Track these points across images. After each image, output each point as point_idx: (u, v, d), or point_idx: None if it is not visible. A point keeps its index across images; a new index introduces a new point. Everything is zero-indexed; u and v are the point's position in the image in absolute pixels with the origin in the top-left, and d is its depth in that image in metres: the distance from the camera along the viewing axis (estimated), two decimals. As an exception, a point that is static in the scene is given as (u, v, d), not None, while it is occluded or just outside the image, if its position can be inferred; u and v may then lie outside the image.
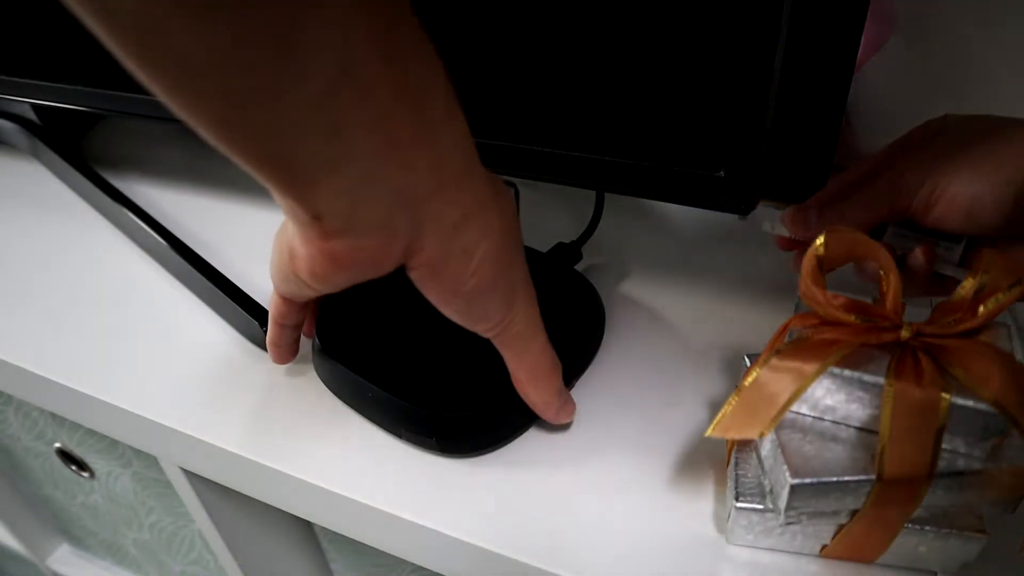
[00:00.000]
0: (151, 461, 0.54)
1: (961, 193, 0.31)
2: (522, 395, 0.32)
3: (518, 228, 0.28)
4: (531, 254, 0.40)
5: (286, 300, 0.34)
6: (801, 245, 0.38)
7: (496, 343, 0.30)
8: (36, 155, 0.59)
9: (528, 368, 0.31)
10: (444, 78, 0.24)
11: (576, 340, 0.37)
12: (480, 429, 0.34)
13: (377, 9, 0.20)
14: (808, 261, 0.28)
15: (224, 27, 0.18)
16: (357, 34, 0.20)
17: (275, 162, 0.23)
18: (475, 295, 0.27)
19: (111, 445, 0.55)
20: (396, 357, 0.35)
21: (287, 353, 0.37)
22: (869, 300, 0.29)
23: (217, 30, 0.18)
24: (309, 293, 0.31)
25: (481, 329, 0.29)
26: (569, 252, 0.43)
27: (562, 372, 0.33)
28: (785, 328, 0.29)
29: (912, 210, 0.34)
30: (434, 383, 0.34)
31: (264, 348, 0.40)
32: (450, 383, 0.34)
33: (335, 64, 0.20)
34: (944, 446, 0.26)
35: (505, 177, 0.38)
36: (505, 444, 0.35)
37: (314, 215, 0.24)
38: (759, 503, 0.29)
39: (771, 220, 0.38)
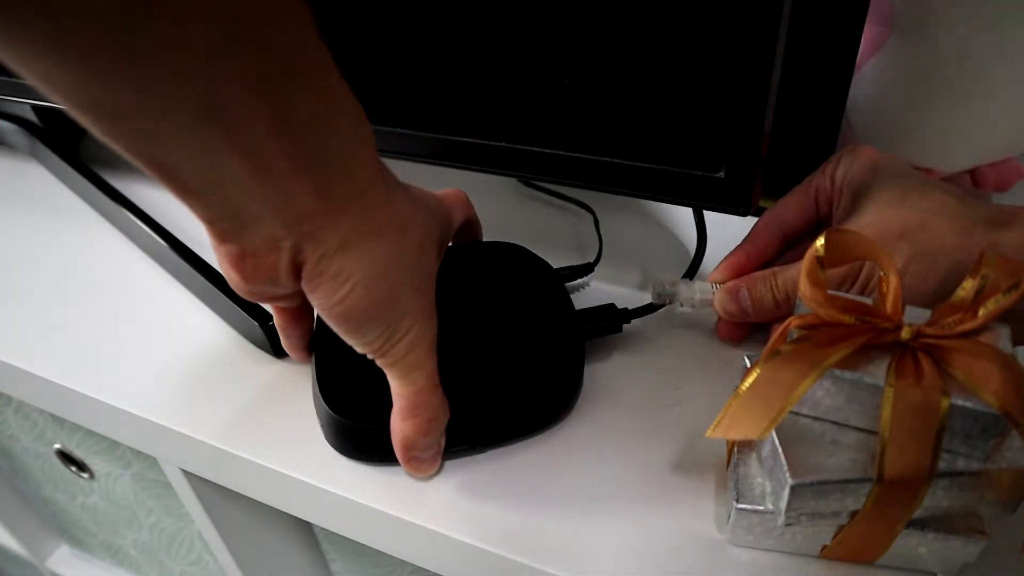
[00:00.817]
0: (151, 462, 0.54)
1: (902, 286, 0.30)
2: (391, 425, 0.31)
3: (418, 266, 0.28)
4: (561, 303, 0.37)
5: (280, 310, 0.35)
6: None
7: (379, 364, 0.30)
8: (36, 156, 0.59)
9: (403, 400, 0.31)
10: (343, 112, 0.24)
11: (526, 407, 0.35)
12: (360, 440, 0.34)
13: (249, 55, 0.21)
14: (808, 261, 0.28)
15: (74, 59, 0.19)
16: (222, 79, 0.21)
17: (161, 170, 0.24)
18: (344, 319, 0.27)
19: (111, 446, 0.55)
20: (351, 356, 0.33)
21: (305, 354, 0.38)
22: (869, 301, 0.29)
23: (68, 59, 0.19)
24: (259, 300, 0.32)
25: (359, 349, 0.29)
26: (610, 318, 0.39)
27: (442, 427, 0.32)
28: (785, 329, 0.29)
29: (851, 291, 0.33)
30: (352, 383, 0.33)
31: (263, 349, 0.40)
32: (365, 390, 0.33)
33: (199, 103, 0.21)
34: (944, 447, 0.26)
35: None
36: (378, 464, 0.34)
37: (207, 219, 0.26)
38: (759, 504, 0.29)
39: (688, 296, 0.38)
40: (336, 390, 0.34)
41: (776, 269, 0.36)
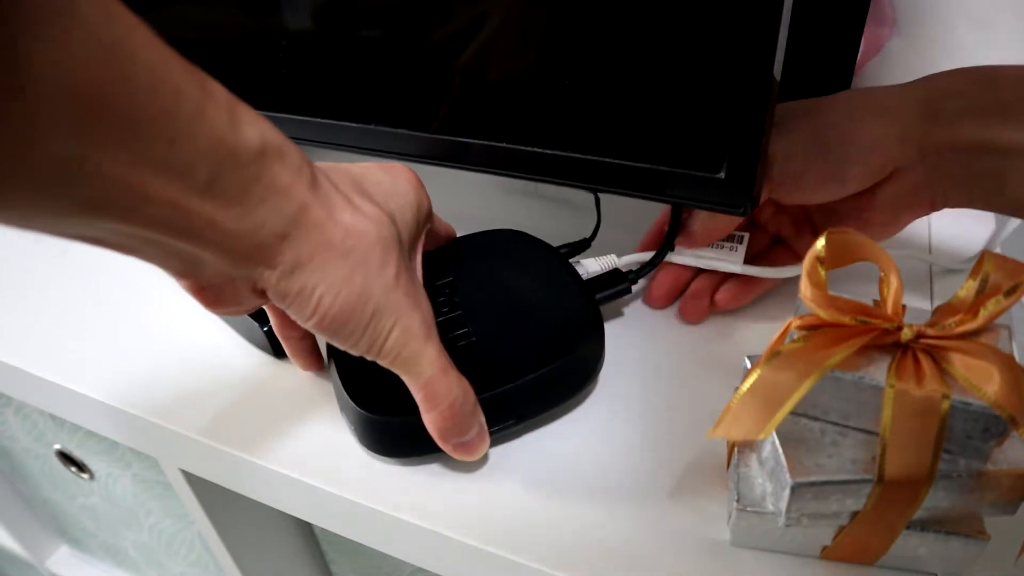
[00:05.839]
0: (151, 463, 0.54)
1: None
2: (423, 419, 0.32)
3: (383, 263, 0.29)
4: (570, 276, 0.39)
5: (274, 311, 0.35)
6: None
7: (383, 365, 0.30)
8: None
9: (419, 393, 0.31)
10: (246, 155, 0.24)
11: (556, 376, 0.35)
12: (385, 434, 0.34)
13: (114, 154, 0.20)
14: (809, 262, 0.28)
15: None
16: (94, 184, 0.20)
17: (93, 244, 0.24)
18: (321, 328, 0.28)
19: (111, 446, 0.55)
20: None
21: (310, 363, 0.38)
22: (869, 301, 0.29)
23: None
24: (233, 316, 0.32)
25: (356, 354, 0.30)
26: (618, 282, 0.41)
27: (470, 407, 0.32)
28: (786, 329, 0.29)
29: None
30: (378, 381, 0.33)
31: (263, 350, 0.40)
32: (391, 386, 0.32)
33: (80, 206, 0.21)
34: (945, 447, 0.26)
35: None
36: (416, 457, 0.34)
37: (156, 264, 0.26)
38: (760, 505, 0.29)
39: (594, 270, 0.42)
40: (362, 389, 0.34)
41: None
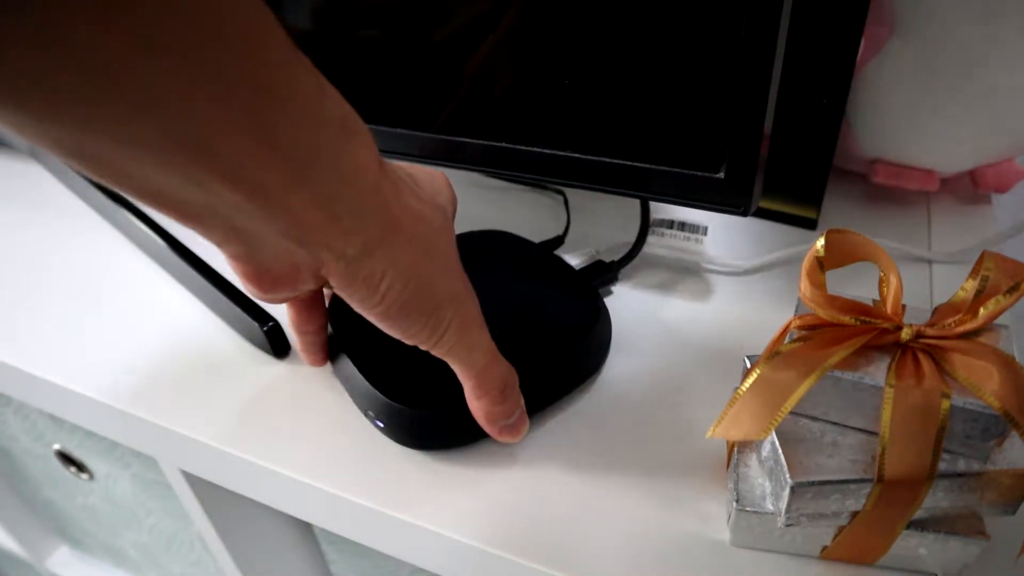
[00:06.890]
0: (150, 463, 0.54)
1: None
2: (469, 405, 0.32)
3: (445, 252, 0.29)
4: (563, 268, 0.41)
5: (294, 306, 0.35)
6: None
7: (436, 355, 0.30)
8: (36, 156, 0.59)
9: (471, 381, 0.31)
10: (329, 118, 0.24)
11: (574, 360, 0.37)
12: (423, 426, 0.34)
13: (214, 85, 0.20)
14: (808, 262, 0.28)
15: (32, 100, 0.18)
16: (189, 113, 0.20)
17: (150, 199, 0.23)
18: (386, 317, 0.28)
19: (111, 447, 0.55)
20: (387, 344, 0.33)
21: (320, 359, 0.38)
22: (869, 301, 0.29)
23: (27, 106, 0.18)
24: (278, 303, 0.31)
25: (411, 343, 0.29)
26: (605, 271, 0.44)
27: (516, 390, 0.33)
28: (785, 329, 0.29)
29: None
30: (404, 374, 0.34)
31: (263, 349, 0.40)
32: (420, 378, 0.33)
33: (170, 140, 0.20)
34: (944, 447, 0.26)
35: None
36: (455, 447, 0.34)
37: (215, 243, 0.26)
38: (760, 505, 0.29)
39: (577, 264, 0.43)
40: (391, 384, 0.34)
41: None
